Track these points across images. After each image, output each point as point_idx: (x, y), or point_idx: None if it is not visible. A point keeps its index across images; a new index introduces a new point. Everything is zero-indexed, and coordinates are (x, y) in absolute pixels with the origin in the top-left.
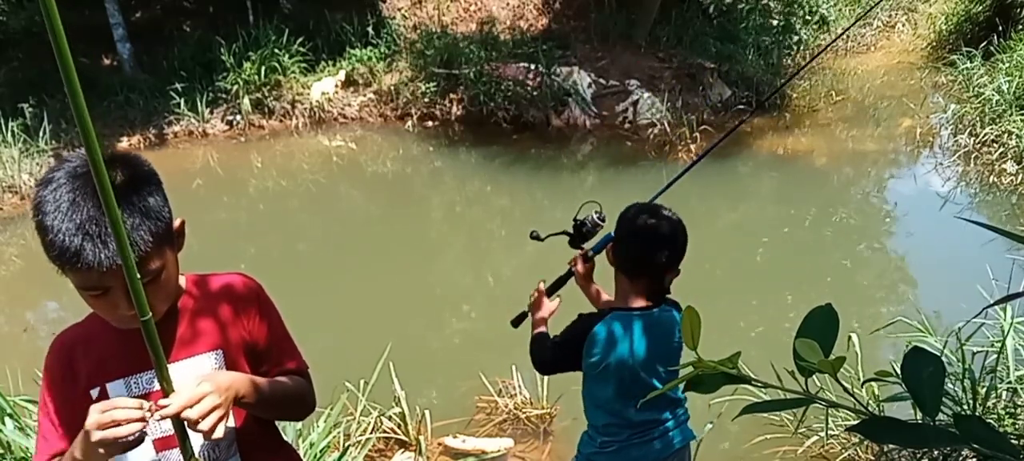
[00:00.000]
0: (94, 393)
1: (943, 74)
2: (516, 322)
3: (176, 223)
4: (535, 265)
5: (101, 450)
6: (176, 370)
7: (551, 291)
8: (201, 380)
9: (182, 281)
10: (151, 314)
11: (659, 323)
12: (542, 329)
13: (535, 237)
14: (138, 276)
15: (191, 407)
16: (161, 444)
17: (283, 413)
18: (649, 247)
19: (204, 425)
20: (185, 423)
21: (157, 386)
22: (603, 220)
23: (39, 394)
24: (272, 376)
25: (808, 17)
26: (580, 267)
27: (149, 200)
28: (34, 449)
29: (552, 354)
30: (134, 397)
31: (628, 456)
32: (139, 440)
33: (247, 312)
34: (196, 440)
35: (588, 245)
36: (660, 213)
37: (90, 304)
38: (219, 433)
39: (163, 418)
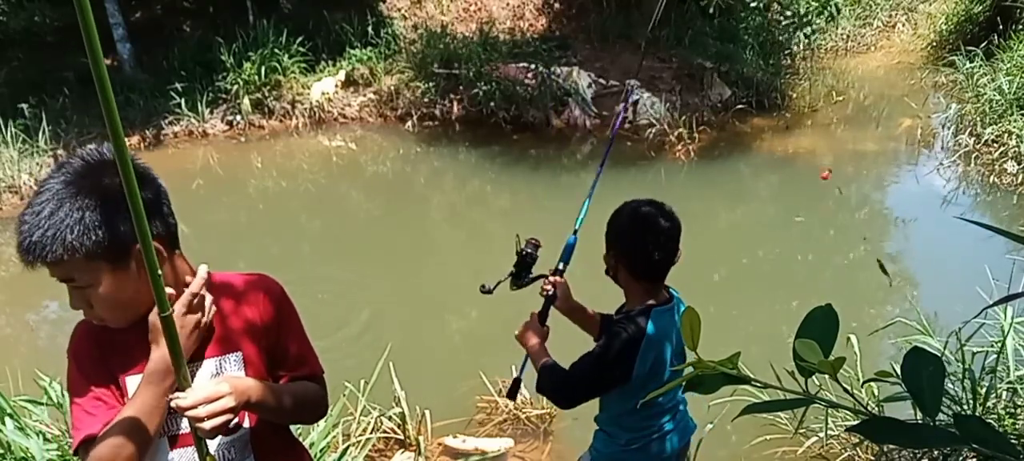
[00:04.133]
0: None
1: (943, 74)
2: (512, 393)
3: (133, 248)
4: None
5: None
6: (194, 370)
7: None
8: (219, 381)
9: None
10: (170, 311)
11: (676, 315)
12: (546, 360)
13: (486, 291)
14: (159, 273)
15: (206, 404)
16: (179, 441)
17: (295, 418)
18: (656, 248)
19: (207, 425)
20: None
21: None
22: (537, 245)
23: (67, 377)
24: (289, 380)
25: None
26: (555, 287)
27: (87, 214)
28: (34, 450)
29: (590, 372)
30: None
31: (652, 451)
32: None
33: (268, 315)
34: (212, 440)
35: (537, 271)
36: (650, 210)
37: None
38: (219, 435)
39: (178, 410)
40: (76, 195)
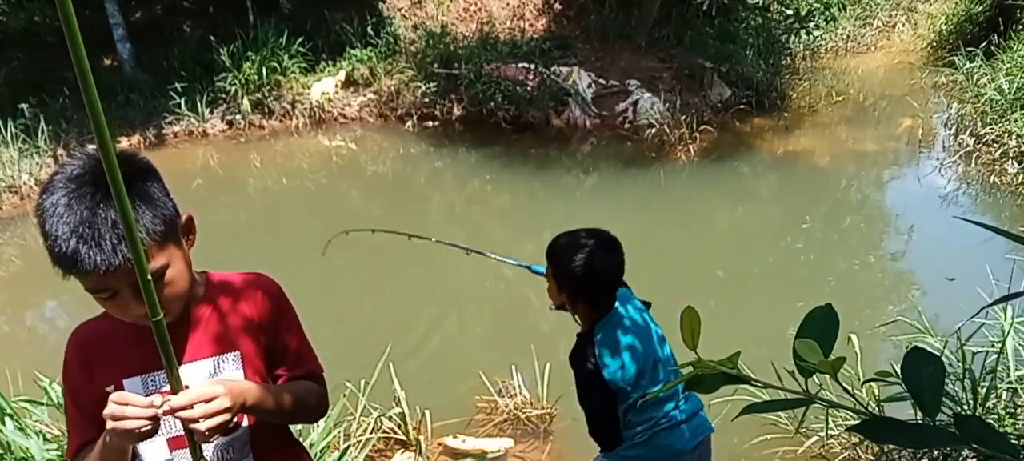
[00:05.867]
0: (110, 389)
1: (943, 74)
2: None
3: (182, 219)
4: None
5: (115, 438)
6: (192, 370)
7: None
8: (213, 382)
9: (202, 279)
10: (162, 315)
11: (636, 308)
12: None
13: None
14: (149, 277)
15: (200, 404)
16: (175, 443)
17: (294, 418)
18: (598, 280)
19: (202, 425)
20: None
21: None
22: None
23: (62, 382)
24: (287, 379)
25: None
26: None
27: (146, 197)
28: (34, 450)
29: (591, 407)
30: (151, 394)
31: (662, 442)
32: (152, 431)
33: (266, 314)
34: (208, 444)
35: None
36: (590, 243)
37: (103, 306)
38: (215, 437)
39: (171, 411)
40: (106, 192)
